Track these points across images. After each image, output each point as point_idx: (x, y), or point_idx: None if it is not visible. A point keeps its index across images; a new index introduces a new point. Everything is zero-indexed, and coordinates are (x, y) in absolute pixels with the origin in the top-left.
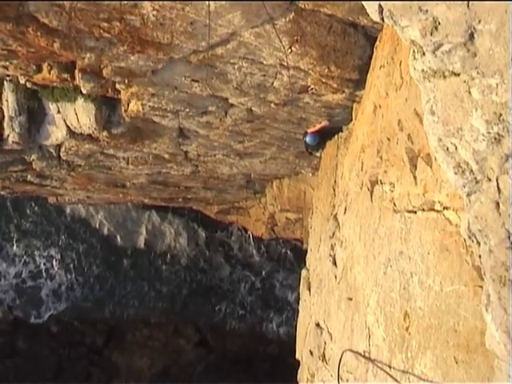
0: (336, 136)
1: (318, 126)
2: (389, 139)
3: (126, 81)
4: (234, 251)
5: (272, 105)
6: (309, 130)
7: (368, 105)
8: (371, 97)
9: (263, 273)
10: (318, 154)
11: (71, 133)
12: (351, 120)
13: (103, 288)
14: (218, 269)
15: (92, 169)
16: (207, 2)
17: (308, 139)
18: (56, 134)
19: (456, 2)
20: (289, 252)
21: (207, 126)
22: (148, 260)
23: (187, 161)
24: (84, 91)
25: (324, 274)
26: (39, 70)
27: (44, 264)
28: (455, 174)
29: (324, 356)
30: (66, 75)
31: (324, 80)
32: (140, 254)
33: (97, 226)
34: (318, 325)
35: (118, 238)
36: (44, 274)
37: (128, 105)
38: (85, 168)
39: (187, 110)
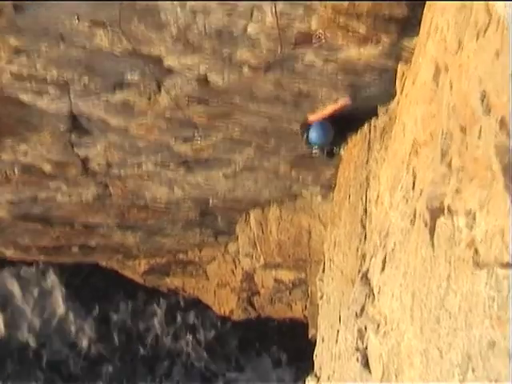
0: (365, 126)
1: (330, 109)
2: (464, 130)
3: None
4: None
5: (245, 69)
6: (312, 117)
7: (424, 66)
8: (430, 51)
9: None
10: (331, 160)
11: None
12: (393, 96)
13: None
14: None
15: None
16: None
17: (313, 134)
18: None
19: None
20: (282, 352)
21: (124, 109)
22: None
23: (87, 176)
24: None
25: None
26: None
27: None
28: None
29: None
30: None
31: (342, 20)
32: None
33: None
34: None
35: None
36: None
37: None
38: None
39: (85, 80)
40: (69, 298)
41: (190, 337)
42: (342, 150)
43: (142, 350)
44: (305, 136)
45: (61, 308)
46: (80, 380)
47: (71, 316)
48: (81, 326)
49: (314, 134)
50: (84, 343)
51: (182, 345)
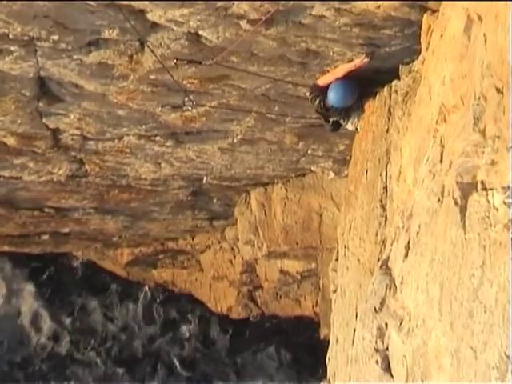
0: (385, 90)
1: (343, 70)
2: (500, 91)
3: None
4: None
5: (243, 23)
6: (322, 81)
7: (454, 17)
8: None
9: None
10: (348, 127)
11: None
12: (418, 53)
13: None
14: None
15: None
16: None
17: (332, 95)
18: None
19: None
20: (288, 353)
21: (101, 72)
22: None
23: (59, 151)
24: None
25: None
26: None
27: None
28: None
29: None
30: None
31: None
32: None
33: None
34: None
35: None
36: None
37: None
38: None
39: (54, 37)
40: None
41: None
42: (356, 121)
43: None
44: (316, 101)
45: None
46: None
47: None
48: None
49: (333, 95)
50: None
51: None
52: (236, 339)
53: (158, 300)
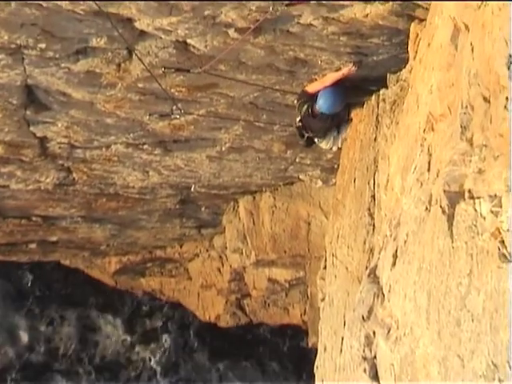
0: (373, 98)
1: (331, 78)
2: (487, 100)
3: None
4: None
5: (231, 32)
6: (310, 89)
7: (441, 26)
8: (447, 8)
9: None
10: (321, 146)
11: None
12: (405, 62)
13: None
14: None
15: None
16: None
17: (321, 101)
18: None
19: None
20: (275, 362)
21: (89, 80)
22: None
23: (46, 160)
24: None
25: None
26: None
27: None
28: None
29: None
30: None
31: None
32: None
33: None
34: None
35: None
36: None
37: None
38: None
39: (42, 45)
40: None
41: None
42: (332, 143)
43: None
44: (304, 107)
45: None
46: None
47: None
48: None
49: (322, 102)
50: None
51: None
52: (219, 346)
53: (140, 310)
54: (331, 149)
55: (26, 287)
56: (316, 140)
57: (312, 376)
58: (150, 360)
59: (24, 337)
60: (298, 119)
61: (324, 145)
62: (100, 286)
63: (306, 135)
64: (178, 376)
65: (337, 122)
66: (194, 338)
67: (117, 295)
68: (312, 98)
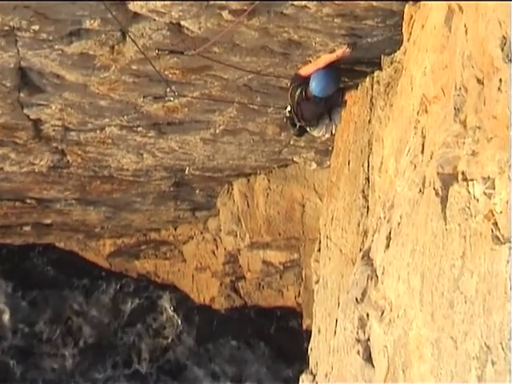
0: (367, 80)
1: (324, 60)
2: (481, 82)
3: None
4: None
5: (225, 14)
6: (303, 71)
7: (435, 7)
8: None
9: None
10: (314, 134)
11: None
12: (400, 44)
13: None
14: None
15: None
16: None
17: (314, 84)
18: None
19: None
20: (264, 345)
21: (83, 62)
22: None
23: (40, 142)
24: None
25: None
26: None
27: None
28: None
29: None
30: None
31: None
32: None
33: None
34: None
35: None
36: None
37: None
38: None
39: (35, 27)
40: None
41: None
42: (324, 131)
43: None
44: (297, 91)
45: None
46: None
47: None
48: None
49: (315, 85)
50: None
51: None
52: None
53: (126, 290)
54: (324, 136)
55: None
56: (308, 129)
57: (298, 357)
58: (135, 343)
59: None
60: (287, 109)
61: (316, 133)
62: (85, 268)
63: (298, 124)
64: (166, 358)
65: (330, 105)
66: (182, 320)
67: (104, 277)
68: (305, 81)
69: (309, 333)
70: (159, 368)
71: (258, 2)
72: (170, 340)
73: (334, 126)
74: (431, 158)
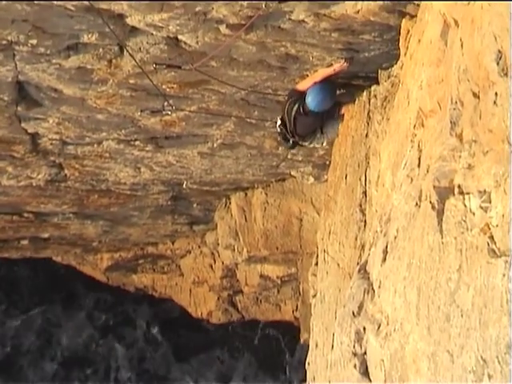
0: (364, 94)
1: (322, 74)
2: (477, 95)
3: None
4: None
5: (223, 28)
6: (300, 85)
7: (431, 22)
8: (437, 3)
9: None
10: (324, 137)
11: None
12: (397, 58)
13: None
14: None
15: None
16: None
17: (310, 99)
18: None
19: None
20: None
21: (80, 76)
22: None
23: (38, 156)
24: None
25: None
26: None
27: None
28: None
29: None
30: None
31: None
32: None
33: None
34: None
35: None
36: None
37: None
38: None
39: (33, 41)
40: None
41: None
42: (335, 125)
43: None
44: (295, 106)
45: None
46: None
47: None
48: None
49: (311, 99)
50: None
51: None
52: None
53: (104, 305)
54: (315, 147)
55: None
56: (301, 143)
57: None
58: (115, 355)
59: None
60: (278, 123)
61: (307, 144)
62: (62, 281)
63: (292, 140)
64: (144, 369)
65: (326, 119)
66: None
67: (81, 289)
68: (302, 96)
69: (306, 347)
70: (138, 375)
71: (256, 16)
72: (147, 352)
73: (325, 139)
74: (427, 171)
